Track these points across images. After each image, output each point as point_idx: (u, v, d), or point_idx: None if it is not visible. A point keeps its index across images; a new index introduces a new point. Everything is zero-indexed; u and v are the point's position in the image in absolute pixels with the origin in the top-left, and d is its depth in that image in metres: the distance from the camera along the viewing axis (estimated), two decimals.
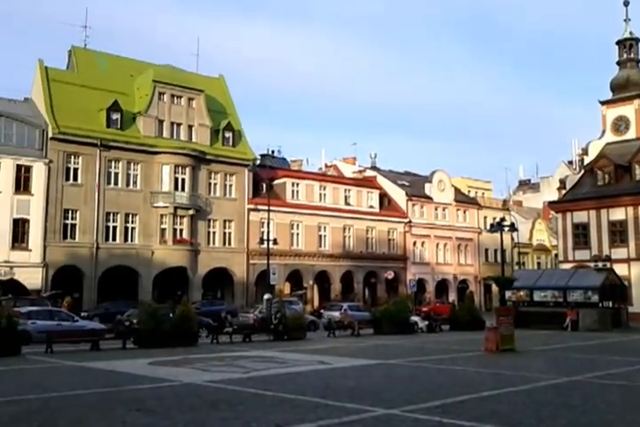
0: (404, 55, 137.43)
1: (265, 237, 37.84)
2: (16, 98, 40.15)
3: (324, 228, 49.24)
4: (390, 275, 51.18)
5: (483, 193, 74.05)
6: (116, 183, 39.67)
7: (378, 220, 52.45)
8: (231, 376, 14.07)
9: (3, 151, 35.74)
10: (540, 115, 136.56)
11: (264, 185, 45.14)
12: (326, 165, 62.22)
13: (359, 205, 51.82)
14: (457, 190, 60.66)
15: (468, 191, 68.34)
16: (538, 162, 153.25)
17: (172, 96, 43.06)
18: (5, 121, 36.53)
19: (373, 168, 60.13)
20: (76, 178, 38.25)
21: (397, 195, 55.49)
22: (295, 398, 11.07)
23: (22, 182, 36.36)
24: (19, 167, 36.28)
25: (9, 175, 35.82)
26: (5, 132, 36.40)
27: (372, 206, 52.71)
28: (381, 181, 56.65)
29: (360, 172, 58.45)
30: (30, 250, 36.05)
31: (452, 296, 55.97)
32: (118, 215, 39.45)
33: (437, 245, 56.85)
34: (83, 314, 30.56)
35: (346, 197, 51.46)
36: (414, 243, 55.04)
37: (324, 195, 50.00)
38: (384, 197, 54.48)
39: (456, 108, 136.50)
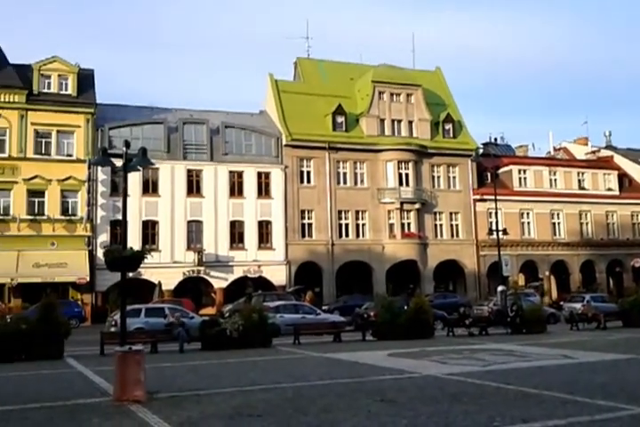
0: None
1: (494, 228, 36.72)
2: (253, 111, 44.12)
3: (558, 215, 46.41)
4: (638, 263, 46.57)
5: None
6: (344, 182, 41.53)
7: (618, 203, 48.04)
8: (470, 369, 13.93)
9: (246, 160, 39.45)
10: None
11: (489, 174, 43.87)
12: (555, 149, 58.53)
13: (596, 189, 47.95)
14: None
15: None
16: None
17: (392, 94, 43.90)
18: (246, 133, 40.27)
19: (609, 147, 55.14)
20: (309, 180, 40.82)
21: None
22: (539, 393, 10.62)
23: (263, 187, 39.78)
24: (259, 174, 39.75)
25: (252, 182, 39.40)
26: (246, 143, 40.12)
27: (610, 189, 48.45)
28: (619, 160, 51.81)
29: (594, 152, 54.04)
30: (274, 249, 39.27)
31: None
32: (349, 213, 41.24)
33: None
34: (324, 307, 32.41)
35: (579, 180, 47.97)
36: None
37: (555, 180, 47.14)
38: (624, 179, 49.76)
39: None
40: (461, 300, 36.24)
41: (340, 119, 42.49)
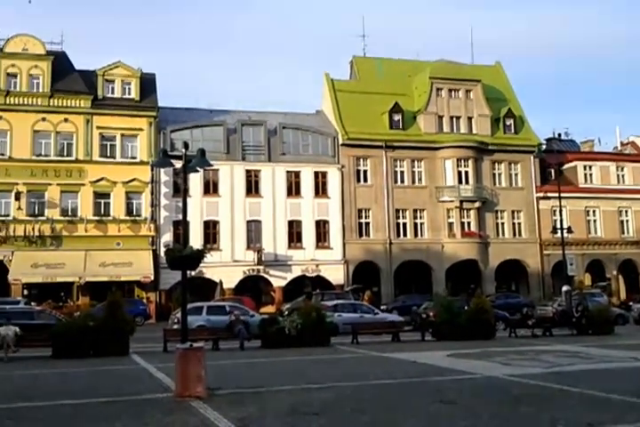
0: None
1: (558, 226, 35.73)
2: (309, 111, 44.33)
3: (626, 212, 44.76)
4: None
5: None
6: (402, 181, 41.23)
7: None
8: (533, 371, 13.61)
9: (303, 160, 39.68)
10: None
11: (552, 171, 42.72)
12: (622, 143, 56.33)
13: None
14: None
15: None
16: None
17: (450, 90, 43.33)
18: (303, 133, 40.51)
19: None
20: (365, 179, 40.71)
21: None
22: (606, 396, 10.28)
23: (320, 187, 39.92)
24: (316, 174, 39.91)
25: (309, 181, 39.60)
26: (303, 144, 40.35)
27: None
28: None
29: None
30: (332, 248, 39.35)
31: None
32: (407, 212, 40.92)
33: None
34: (382, 307, 32.27)
35: None
36: None
37: (623, 176, 45.48)
38: None
39: None
40: (524, 300, 35.45)
41: (397, 117, 42.20)
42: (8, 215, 34.74)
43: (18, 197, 34.75)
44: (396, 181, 41.08)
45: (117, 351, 17.77)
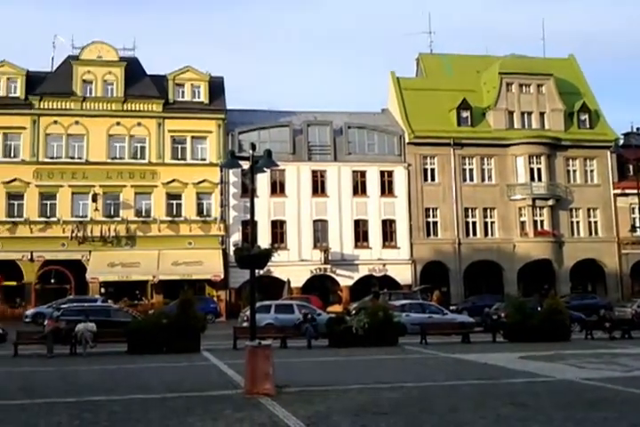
0: None
1: (637, 224, 34.32)
2: (375, 110, 44.18)
3: None
4: None
5: None
6: (471, 179, 40.49)
7: None
8: (611, 374, 13.10)
9: (369, 160, 39.58)
10: None
11: (630, 166, 40.94)
12: None
13: None
14: None
15: None
16: None
17: (520, 85, 42.24)
18: (368, 133, 40.41)
19: None
20: (433, 178, 40.20)
21: None
22: None
23: (386, 186, 39.69)
24: (382, 173, 39.70)
25: (375, 181, 39.44)
26: (369, 143, 40.23)
27: None
28: None
29: None
30: (399, 248, 39.06)
31: None
32: (476, 211, 40.16)
33: None
34: (451, 307, 31.80)
35: None
36: None
37: None
38: None
39: None
40: (601, 301, 34.13)
41: (466, 114, 41.46)
42: (85, 216, 36.19)
43: (95, 199, 36.15)
44: (464, 180, 40.38)
45: (189, 348, 18.21)
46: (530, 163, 40.41)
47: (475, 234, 39.97)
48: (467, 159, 40.62)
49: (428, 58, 46.28)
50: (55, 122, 36.65)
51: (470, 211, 40.13)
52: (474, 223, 40.11)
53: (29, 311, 31.09)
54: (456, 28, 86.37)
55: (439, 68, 45.22)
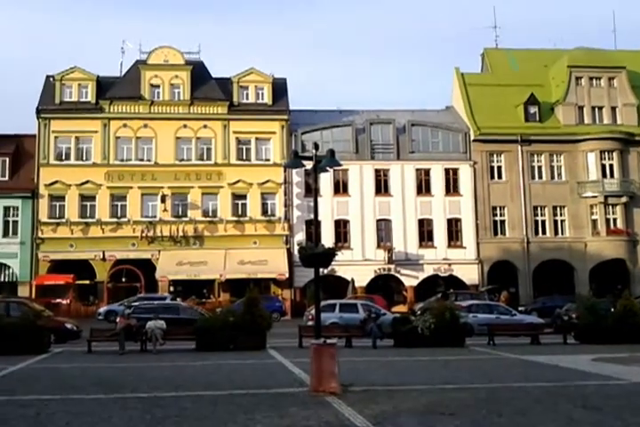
0: None
1: None
2: (439, 108, 43.62)
3: None
4: None
5: None
6: (540, 177, 39.44)
7: None
8: None
9: (433, 158, 39.12)
10: None
11: None
12: None
13: None
14: None
15: None
16: None
17: (591, 79, 40.85)
18: (432, 130, 39.95)
19: None
20: (500, 176, 39.38)
21: None
22: None
23: (451, 184, 39.13)
24: (447, 171, 39.16)
25: (439, 179, 38.95)
26: (433, 141, 39.77)
27: None
28: None
29: None
30: (465, 247, 38.43)
31: None
32: (545, 209, 39.10)
33: None
34: (520, 308, 31.09)
35: None
36: None
37: None
38: None
39: None
40: None
41: (533, 109, 40.39)
42: (155, 217, 37.24)
43: (163, 200, 37.16)
44: (532, 177, 39.37)
45: (255, 346, 18.46)
46: (601, 159, 39.05)
47: (544, 233, 38.92)
48: (535, 156, 39.59)
49: (493, 53, 45.38)
50: (125, 125, 37.89)
51: (539, 209, 39.10)
52: (543, 222, 39.06)
53: (102, 309, 32.24)
54: (522, 21, 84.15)
55: (505, 63, 44.26)
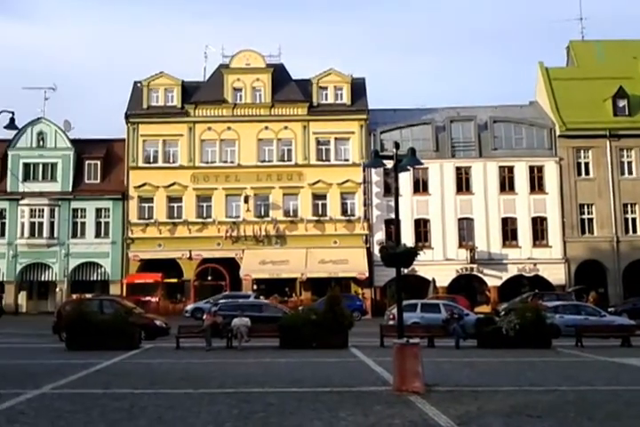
0: None
1: None
2: (522, 103, 42.45)
3: None
4: None
5: None
6: (630, 173, 37.78)
7: None
8: None
9: (516, 155, 38.17)
10: None
11: None
12: None
13: None
14: None
15: None
16: None
17: None
18: (515, 126, 38.99)
19: None
20: (587, 172, 37.99)
21: None
22: None
23: (536, 182, 38.04)
24: (531, 168, 38.12)
25: (524, 176, 37.95)
26: (516, 137, 38.80)
27: None
28: None
29: None
30: (550, 246, 37.29)
31: None
32: (636, 206, 37.41)
33: None
34: (610, 309, 29.91)
35: None
36: None
37: None
38: None
39: None
40: None
41: (622, 103, 38.67)
42: (238, 217, 38.19)
43: (246, 201, 38.06)
44: (622, 173, 37.75)
45: (338, 344, 18.61)
46: None
47: (635, 231, 37.28)
48: (625, 151, 37.93)
49: (578, 45, 43.84)
50: (209, 128, 39.03)
51: (629, 206, 37.46)
52: (633, 220, 37.41)
53: (189, 307, 33.40)
54: (608, 12, 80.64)
55: (591, 56, 42.63)
